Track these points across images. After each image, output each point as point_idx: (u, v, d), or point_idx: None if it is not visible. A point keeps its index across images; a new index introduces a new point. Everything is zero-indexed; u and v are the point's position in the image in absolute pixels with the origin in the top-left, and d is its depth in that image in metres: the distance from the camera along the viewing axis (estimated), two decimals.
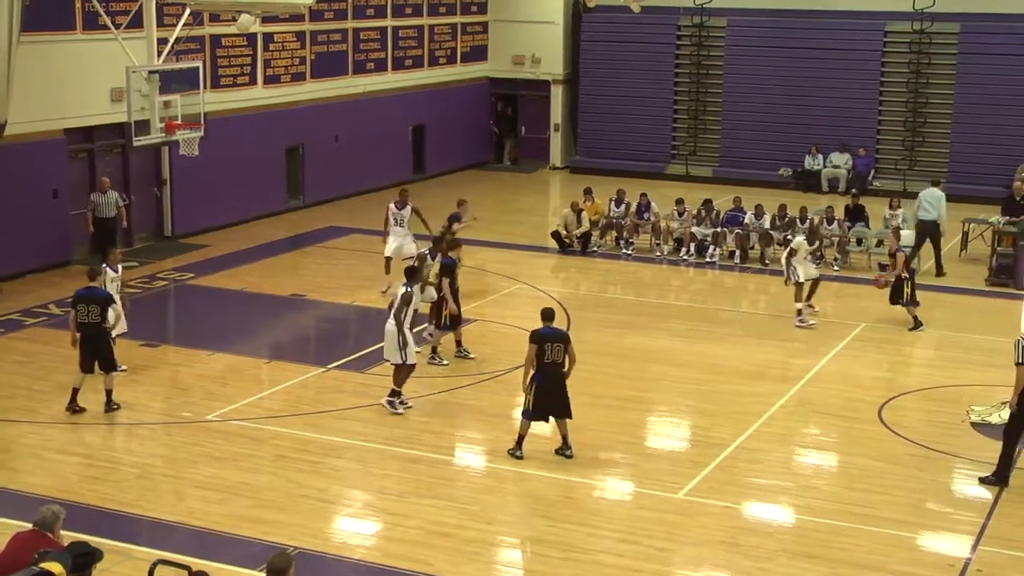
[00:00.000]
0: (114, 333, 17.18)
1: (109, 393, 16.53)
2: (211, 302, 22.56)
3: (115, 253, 18.71)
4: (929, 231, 25.42)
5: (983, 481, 14.77)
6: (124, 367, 17.72)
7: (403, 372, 16.78)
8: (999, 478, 14.69)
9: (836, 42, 33.95)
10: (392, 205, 22.96)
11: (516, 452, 15.29)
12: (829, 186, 33.88)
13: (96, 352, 16.46)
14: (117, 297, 17.87)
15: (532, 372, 15.14)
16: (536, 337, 15.14)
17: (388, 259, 22.54)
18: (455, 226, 22.32)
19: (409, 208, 22.82)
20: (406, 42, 34.34)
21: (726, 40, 35.49)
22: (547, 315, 15.38)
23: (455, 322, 18.96)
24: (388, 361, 16.98)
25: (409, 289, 16.71)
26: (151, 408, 16.99)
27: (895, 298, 21.17)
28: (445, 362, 18.90)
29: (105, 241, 24.08)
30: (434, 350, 18.98)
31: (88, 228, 24.18)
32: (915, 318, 21.14)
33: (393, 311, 16.65)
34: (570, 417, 15.26)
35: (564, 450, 15.32)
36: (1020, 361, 14.23)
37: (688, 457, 15.73)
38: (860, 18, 33.91)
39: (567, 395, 15.19)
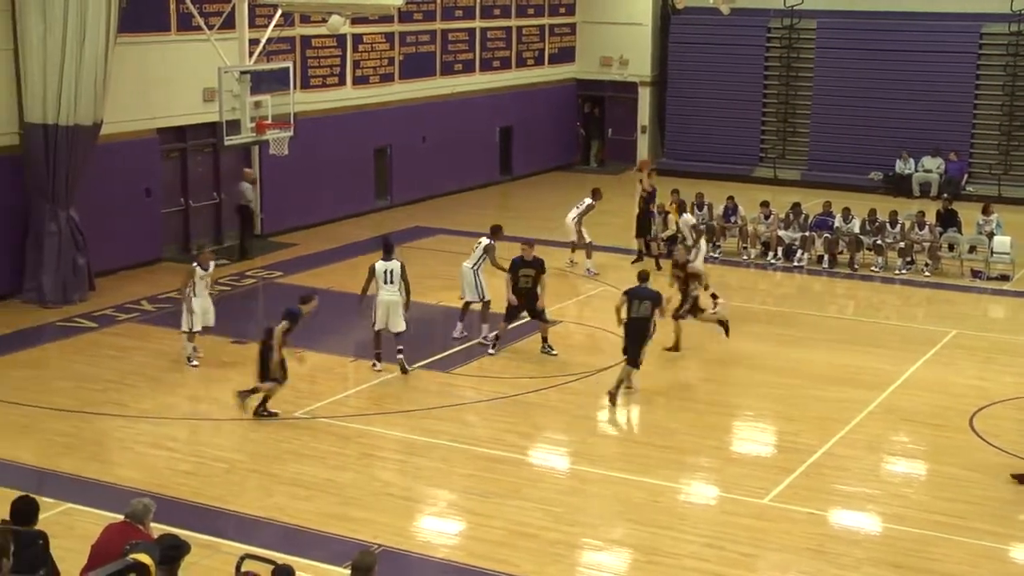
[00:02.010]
0: (192, 328, 18.16)
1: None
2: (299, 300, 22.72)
3: (205, 252, 19.00)
4: None
5: None
6: (195, 362, 18.59)
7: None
8: None
9: (930, 44, 33.43)
10: (590, 200, 24.81)
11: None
12: (921, 191, 33.37)
13: None
14: (205, 293, 18.29)
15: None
16: (628, 292, 17.54)
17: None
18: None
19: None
20: (494, 43, 34.43)
21: (816, 42, 35.12)
22: (643, 277, 17.72)
23: (511, 314, 19.52)
24: (391, 330, 18.32)
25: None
26: None
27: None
28: (555, 352, 19.31)
29: (246, 228, 25.28)
30: (544, 340, 19.46)
31: (251, 216, 25.46)
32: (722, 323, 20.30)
33: (398, 285, 18.27)
34: (636, 367, 17.27)
35: (623, 387, 17.21)
36: None
37: (774, 463, 15.58)
38: (955, 20, 33.35)
39: (641, 348, 17.27)
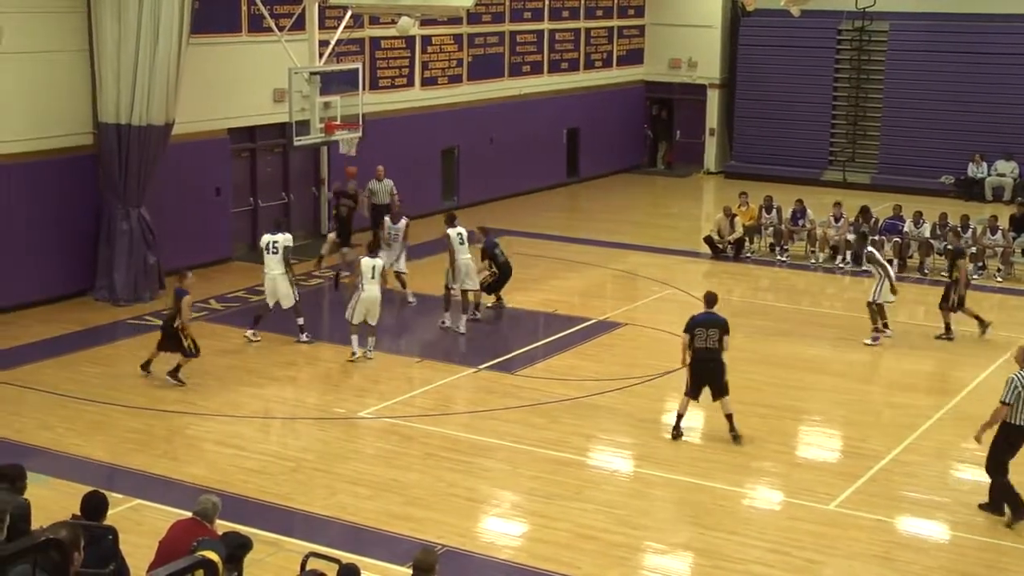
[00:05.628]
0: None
1: None
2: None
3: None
4: None
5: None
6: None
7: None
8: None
9: (1004, 46, 32.96)
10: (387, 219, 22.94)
11: None
12: (993, 195, 32.89)
13: None
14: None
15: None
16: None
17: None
18: None
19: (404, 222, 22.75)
20: (562, 45, 34.41)
21: (888, 44, 34.75)
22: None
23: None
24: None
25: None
26: (305, 403, 17.36)
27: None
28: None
29: (377, 226, 24.93)
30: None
31: (364, 213, 25.02)
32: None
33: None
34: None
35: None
36: (1005, 400, 13.49)
37: (840, 468, 15.44)
38: None
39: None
